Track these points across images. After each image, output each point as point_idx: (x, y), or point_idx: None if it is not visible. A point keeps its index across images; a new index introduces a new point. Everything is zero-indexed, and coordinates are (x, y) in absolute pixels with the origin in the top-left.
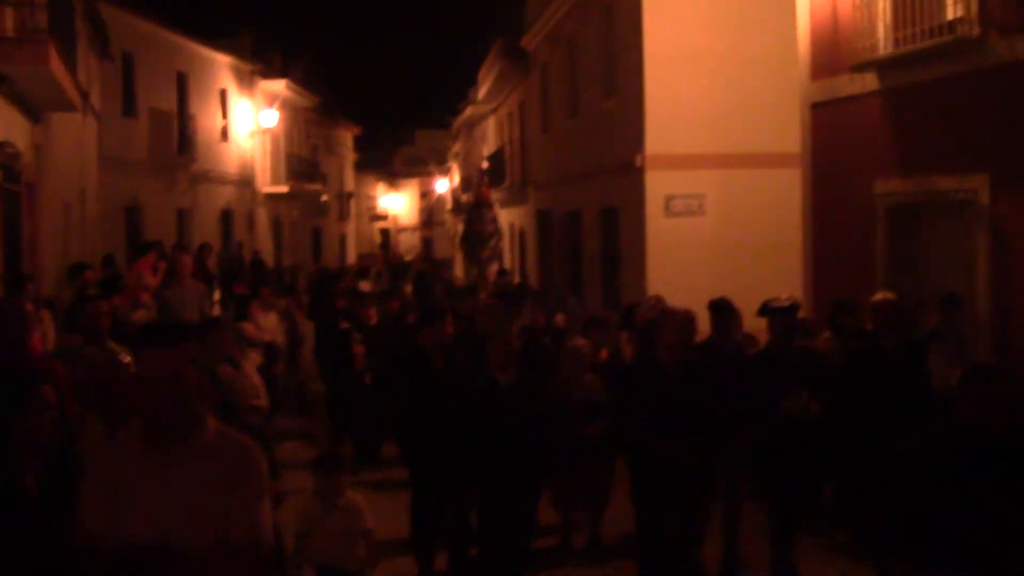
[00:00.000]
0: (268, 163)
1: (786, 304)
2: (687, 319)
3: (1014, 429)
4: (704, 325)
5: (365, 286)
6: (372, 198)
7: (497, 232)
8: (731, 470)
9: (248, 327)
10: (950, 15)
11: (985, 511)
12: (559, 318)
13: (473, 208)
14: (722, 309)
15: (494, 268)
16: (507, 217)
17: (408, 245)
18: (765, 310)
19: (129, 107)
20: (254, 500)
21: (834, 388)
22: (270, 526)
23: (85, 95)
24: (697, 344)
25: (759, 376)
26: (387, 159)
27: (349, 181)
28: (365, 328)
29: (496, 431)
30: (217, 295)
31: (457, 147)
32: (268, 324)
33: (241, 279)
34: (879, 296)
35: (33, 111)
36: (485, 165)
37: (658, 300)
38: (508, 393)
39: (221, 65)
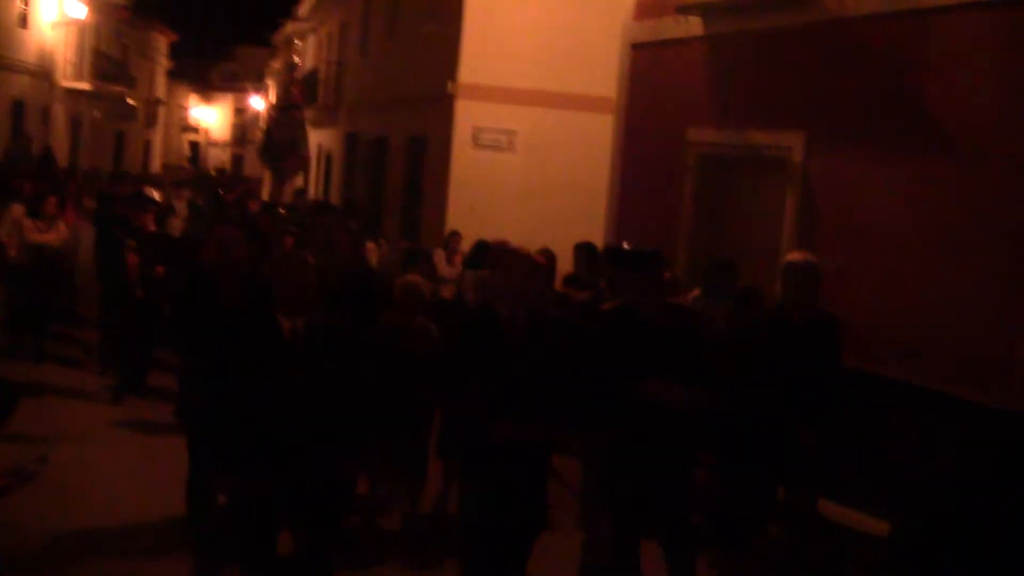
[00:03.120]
0: (71, 57)
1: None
2: (533, 264)
3: None
4: None
5: (153, 193)
6: (184, 108)
7: (305, 139)
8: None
9: (27, 224)
10: None
11: None
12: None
13: (280, 110)
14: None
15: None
16: (316, 139)
17: (218, 161)
18: (622, 256)
19: None
20: None
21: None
22: None
23: None
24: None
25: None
26: (203, 71)
27: (160, 88)
28: (141, 236)
29: (286, 389)
30: None
31: (276, 64)
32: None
33: (23, 174)
34: (796, 256)
35: None
36: (297, 60)
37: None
38: (304, 342)
39: None
